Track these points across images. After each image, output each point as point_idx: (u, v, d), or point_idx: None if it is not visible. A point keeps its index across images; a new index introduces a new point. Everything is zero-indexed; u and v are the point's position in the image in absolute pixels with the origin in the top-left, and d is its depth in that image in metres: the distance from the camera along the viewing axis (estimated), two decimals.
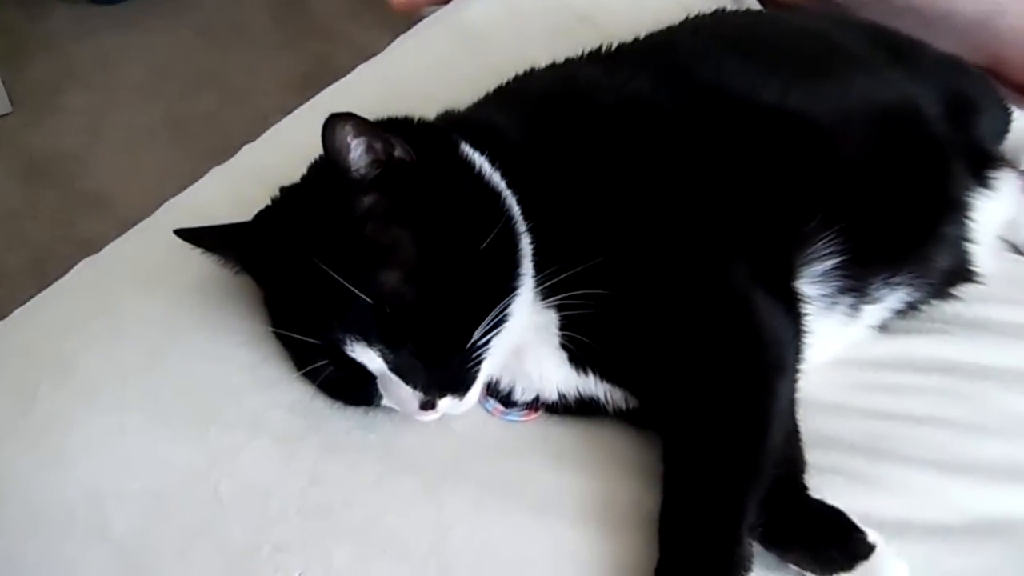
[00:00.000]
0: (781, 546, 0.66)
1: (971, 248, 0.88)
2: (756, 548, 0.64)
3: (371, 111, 0.68)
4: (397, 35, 1.17)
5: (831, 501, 0.68)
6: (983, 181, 0.91)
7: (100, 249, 0.86)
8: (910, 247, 0.83)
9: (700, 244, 0.72)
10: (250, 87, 2.09)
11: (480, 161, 0.72)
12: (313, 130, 0.65)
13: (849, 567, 0.64)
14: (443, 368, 0.66)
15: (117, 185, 1.88)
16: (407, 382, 0.65)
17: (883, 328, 0.84)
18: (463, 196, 0.69)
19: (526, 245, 0.69)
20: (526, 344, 0.72)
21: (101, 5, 2.30)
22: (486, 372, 0.69)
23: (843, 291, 0.78)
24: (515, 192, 0.71)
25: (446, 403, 0.67)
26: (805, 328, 0.74)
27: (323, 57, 2.13)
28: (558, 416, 0.75)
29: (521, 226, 0.70)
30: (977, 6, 1.07)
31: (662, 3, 1.06)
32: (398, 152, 0.67)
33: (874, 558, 0.64)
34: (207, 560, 0.64)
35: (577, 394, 0.73)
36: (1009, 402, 0.79)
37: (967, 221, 0.87)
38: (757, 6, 1.16)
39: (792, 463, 0.70)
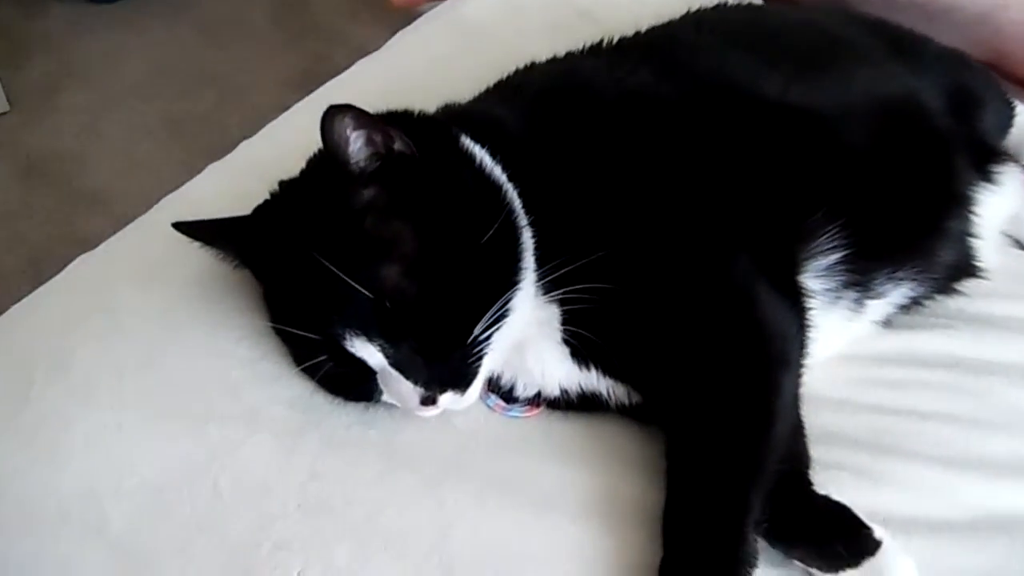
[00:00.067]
0: (786, 542, 0.65)
1: (974, 243, 0.87)
2: (761, 544, 0.64)
3: (370, 106, 0.67)
4: (396, 33, 1.16)
5: (837, 497, 0.67)
6: (986, 176, 0.90)
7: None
8: (914, 241, 0.83)
9: (703, 237, 0.72)
10: (249, 86, 2.08)
11: (481, 154, 0.71)
12: (311, 126, 0.64)
13: (855, 563, 0.63)
14: (444, 363, 0.66)
15: (115, 184, 1.87)
16: (408, 377, 0.65)
17: (887, 323, 0.84)
18: (464, 189, 0.68)
19: (528, 239, 0.69)
20: (528, 339, 0.71)
21: (99, 4, 2.29)
22: (487, 367, 0.68)
23: (847, 285, 0.77)
24: (516, 185, 0.70)
25: (447, 399, 0.66)
26: (809, 322, 0.73)
27: (322, 56, 2.13)
28: (560, 412, 0.75)
29: (522, 220, 0.69)
30: (979, 1, 1.07)
31: None
32: (398, 145, 0.67)
33: (881, 554, 0.63)
34: (206, 557, 0.64)
35: (579, 389, 0.73)
36: (1014, 398, 0.79)
37: (970, 216, 0.87)
38: (758, 1, 1.16)
39: (797, 458, 0.69)
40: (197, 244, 0.72)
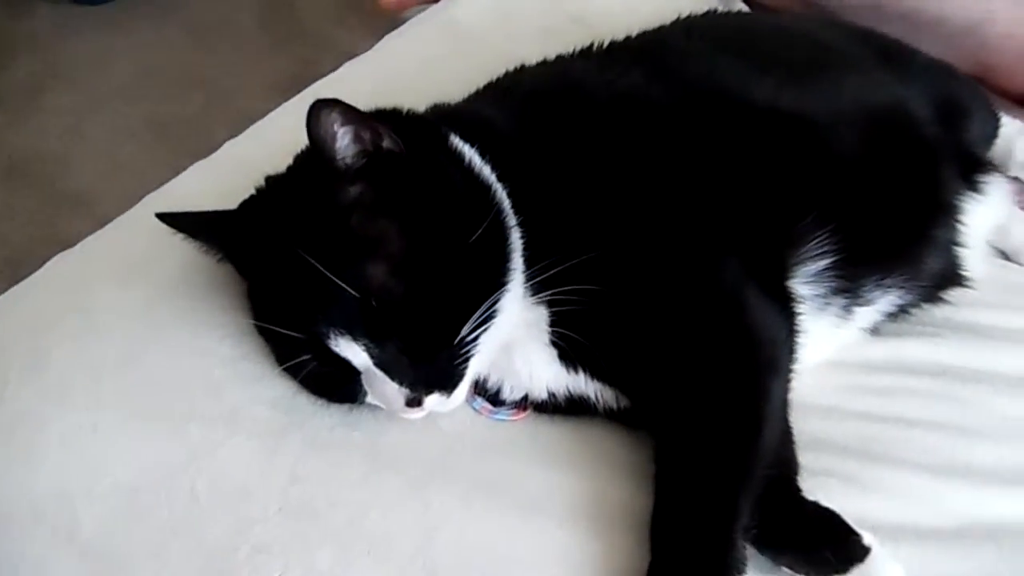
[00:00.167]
0: (775, 548, 0.64)
1: (961, 252, 0.88)
2: (749, 551, 0.63)
3: (359, 106, 0.66)
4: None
5: (825, 504, 0.66)
6: (973, 185, 0.91)
7: None
8: (901, 249, 0.83)
9: (693, 241, 0.71)
10: (236, 90, 2.07)
11: (470, 153, 0.70)
12: (298, 125, 0.63)
13: (844, 570, 0.62)
14: (430, 364, 0.65)
15: (98, 186, 1.85)
16: (393, 378, 0.64)
17: (875, 331, 0.84)
18: (452, 188, 0.67)
19: (516, 239, 0.68)
20: (515, 341, 0.70)
21: (84, 5, 2.27)
22: (474, 369, 0.67)
23: (835, 292, 0.77)
24: (505, 185, 0.69)
25: (433, 400, 0.65)
26: (799, 327, 0.73)
27: (310, 60, 2.12)
28: (547, 415, 0.74)
29: (511, 220, 0.68)
30: (966, 13, 1.08)
31: (654, 5, 1.05)
32: (386, 142, 0.66)
33: (869, 561, 0.63)
34: (183, 561, 0.62)
35: (567, 393, 0.72)
36: (1001, 406, 0.79)
37: (957, 225, 0.87)
38: (745, 10, 1.16)
39: (785, 464, 0.69)
40: (180, 237, 0.70)
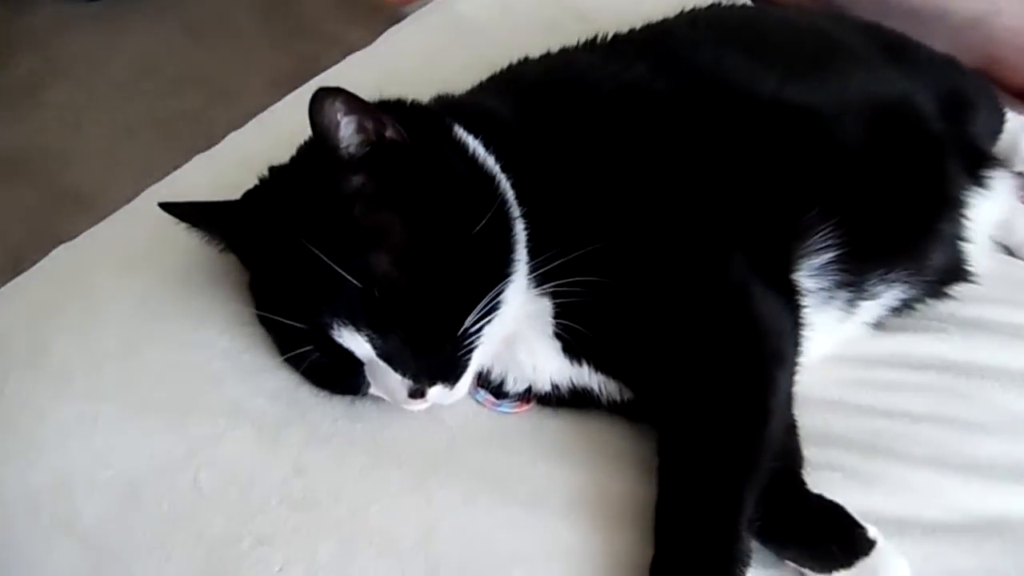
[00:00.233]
0: (779, 542, 0.64)
1: (966, 247, 0.87)
2: (753, 544, 0.62)
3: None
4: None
5: (829, 497, 0.66)
6: (978, 180, 0.91)
7: None
8: (906, 243, 0.82)
9: (698, 233, 0.71)
10: (236, 86, 2.06)
11: (474, 144, 0.70)
12: (301, 117, 0.63)
13: (849, 564, 0.62)
14: (433, 356, 0.64)
15: (98, 183, 1.84)
16: (396, 369, 0.63)
17: (879, 326, 0.83)
18: (456, 179, 0.67)
19: (520, 230, 0.68)
20: (519, 333, 0.70)
21: (84, 2, 2.27)
22: (477, 361, 0.67)
23: (840, 285, 0.77)
24: (509, 176, 0.69)
25: (436, 392, 0.65)
26: (804, 320, 0.73)
27: (310, 57, 2.10)
28: (551, 408, 0.74)
29: (515, 211, 0.68)
30: (972, 5, 1.07)
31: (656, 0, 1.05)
32: (390, 132, 0.66)
33: (875, 555, 0.62)
34: (184, 552, 0.62)
35: (571, 385, 0.72)
36: (1006, 401, 0.79)
37: (963, 219, 0.87)
38: (750, 3, 1.16)
39: (790, 456, 0.68)
40: (182, 227, 0.70)
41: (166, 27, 2.25)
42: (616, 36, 0.89)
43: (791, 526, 0.64)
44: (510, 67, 0.86)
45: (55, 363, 0.71)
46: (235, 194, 0.72)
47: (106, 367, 0.70)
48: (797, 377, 0.72)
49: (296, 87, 1.04)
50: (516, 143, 0.71)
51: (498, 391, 0.73)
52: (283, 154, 0.73)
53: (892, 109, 0.85)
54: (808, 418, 0.73)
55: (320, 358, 0.66)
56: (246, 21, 2.30)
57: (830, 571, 0.62)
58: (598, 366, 0.70)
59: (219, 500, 0.64)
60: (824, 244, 0.75)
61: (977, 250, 0.88)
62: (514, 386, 0.73)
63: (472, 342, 0.65)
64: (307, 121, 0.63)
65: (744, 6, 1.04)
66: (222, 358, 0.71)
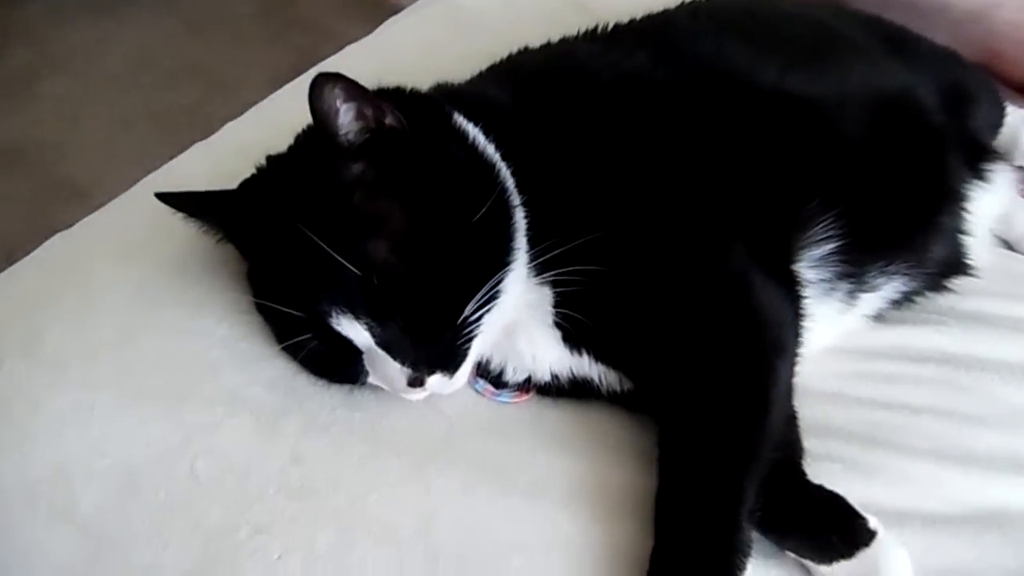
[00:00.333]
0: (780, 532, 0.64)
1: (966, 240, 0.87)
2: (753, 535, 0.62)
3: None
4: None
5: (830, 488, 0.66)
6: (978, 173, 0.91)
7: None
8: (907, 235, 0.82)
9: (699, 223, 0.71)
10: (234, 79, 2.06)
11: (474, 132, 0.70)
12: (299, 107, 0.63)
13: (849, 554, 0.62)
14: (432, 344, 0.64)
15: (94, 175, 1.83)
16: (395, 357, 0.63)
17: (879, 318, 0.83)
18: (455, 167, 0.67)
19: (520, 219, 0.68)
20: (519, 322, 0.69)
21: None
22: (477, 350, 0.67)
23: (841, 277, 0.77)
24: (509, 164, 0.69)
25: (435, 381, 0.65)
26: (805, 311, 0.72)
27: (309, 51, 2.08)
28: (550, 398, 0.73)
29: (515, 199, 0.68)
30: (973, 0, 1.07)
31: None
32: (389, 119, 0.65)
33: (875, 545, 0.62)
34: (182, 541, 0.61)
35: (570, 375, 0.71)
36: (1006, 394, 0.78)
37: (963, 212, 0.87)
38: None
39: (790, 447, 0.68)
40: (179, 217, 0.70)
41: (163, 19, 2.24)
42: (616, 26, 0.88)
43: (791, 516, 0.64)
44: (510, 56, 0.86)
45: (50, 352, 0.70)
46: (232, 183, 0.71)
47: (102, 355, 0.70)
48: (797, 368, 0.72)
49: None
50: (516, 131, 0.71)
51: (497, 381, 0.73)
52: (281, 144, 0.73)
53: (893, 101, 0.85)
54: (808, 409, 0.73)
55: (318, 346, 0.65)
56: (244, 14, 2.29)
57: (830, 561, 0.62)
58: (598, 356, 0.70)
59: (216, 489, 0.64)
60: (825, 235, 0.75)
61: (977, 243, 0.88)
62: (513, 376, 0.72)
63: (471, 331, 0.65)
64: (305, 111, 0.63)
65: None
66: (220, 346, 0.71)
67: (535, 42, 0.89)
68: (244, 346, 0.71)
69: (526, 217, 0.68)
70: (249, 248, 0.70)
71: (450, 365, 0.64)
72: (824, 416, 0.74)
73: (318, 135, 0.64)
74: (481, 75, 0.84)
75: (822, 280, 0.76)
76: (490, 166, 0.68)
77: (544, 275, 0.67)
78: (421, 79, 0.80)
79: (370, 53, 1.06)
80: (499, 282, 0.65)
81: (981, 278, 0.87)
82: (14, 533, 0.63)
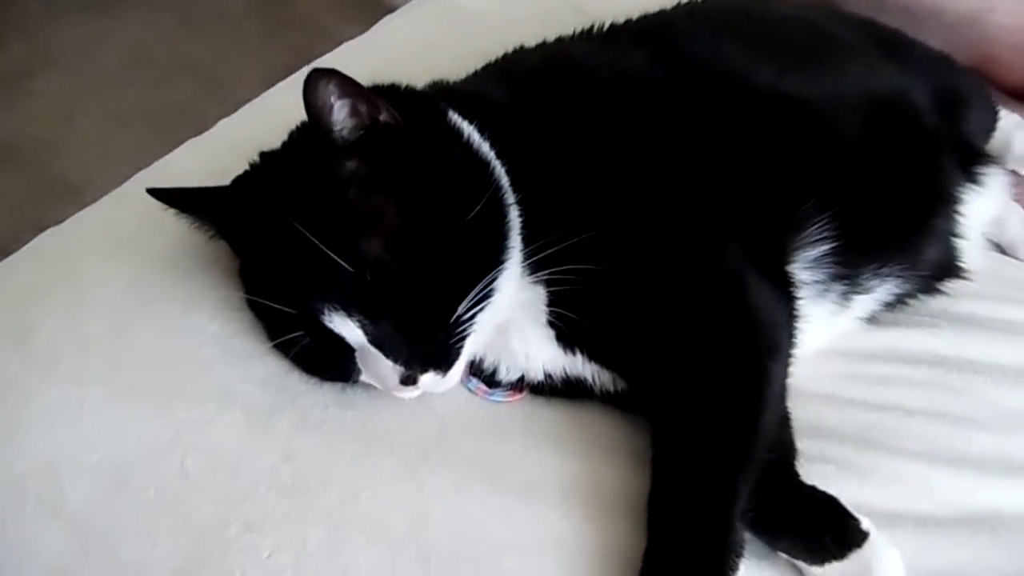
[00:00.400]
0: (772, 533, 0.64)
1: (959, 243, 0.87)
2: (746, 535, 0.62)
3: None
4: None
5: (822, 489, 0.66)
6: (972, 176, 0.91)
7: None
8: (900, 237, 0.82)
9: (693, 222, 0.71)
10: (228, 78, 2.05)
11: (469, 130, 0.69)
12: (293, 104, 0.62)
13: (841, 555, 0.62)
14: (425, 342, 0.64)
15: (87, 173, 1.82)
16: (387, 355, 0.63)
17: (872, 320, 0.84)
18: (450, 164, 0.67)
19: (514, 217, 0.67)
20: (512, 321, 0.69)
21: None
22: (470, 349, 0.66)
23: (835, 278, 0.77)
24: (504, 163, 0.69)
25: (428, 379, 0.64)
26: (798, 312, 0.72)
27: (304, 50, 2.07)
28: (543, 398, 0.73)
29: (510, 197, 0.68)
30: (966, 4, 1.08)
31: None
32: (384, 116, 0.65)
33: (867, 546, 0.62)
34: (172, 538, 0.61)
35: (564, 374, 0.71)
36: (998, 396, 0.79)
37: (956, 215, 0.87)
38: None
39: (783, 447, 0.68)
40: (172, 213, 0.69)
41: (158, 17, 2.23)
42: (613, 26, 0.88)
43: (784, 517, 0.64)
44: (506, 55, 0.86)
45: (41, 346, 0.70)
46: (225, 180, 0.71)
47: (93, 350, 0.69)
48: (791, 369, 0.72)
49: None
50: (511, 129, 0.70)
51: (491, 380, 0.73)
52: (275, 140, 0.72)
53: (887, 103, 0.86)
54: (801, 411, 0.73)
55: (310, 344, 0.65)
56: (240, 12, 2.28)
57: (823, 562, 0.62)
58: (591, 355, 0.70)
59: (207, 486, 0.63)
60: (819, 236, 0.75)
61: (970, 247, 0.89)
62: (507, 375, 0.72)
63: (465, 329, 0.64)
64: (300, 108, 0.62)
65: None
66: (211, 343, 0.70)
67: (530, 42, 0.89)
68: (236, 343, 0.70)
69: (520, 215, 0.68)
70: (241, 244, 0.70)
71: (443, 364, 0.64)
72: (817, 417, 0.74)
73: (312, 131, 0.63)
74: (476, 73, 0.84)
75: (816, 281, 0.76)
76: (484, 164, 0.68)
77: (538, 274, 0.67)
78: (416, 78, 0.80)
79: (365, 51, 1.06)
80: (493, 281, 0.65)
81: (974, 281, 0.87)
82: (2, 528, 0.62)
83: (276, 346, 0.68)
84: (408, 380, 0.63)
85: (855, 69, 0.87)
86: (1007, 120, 1.03)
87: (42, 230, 0.85)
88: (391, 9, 1.28)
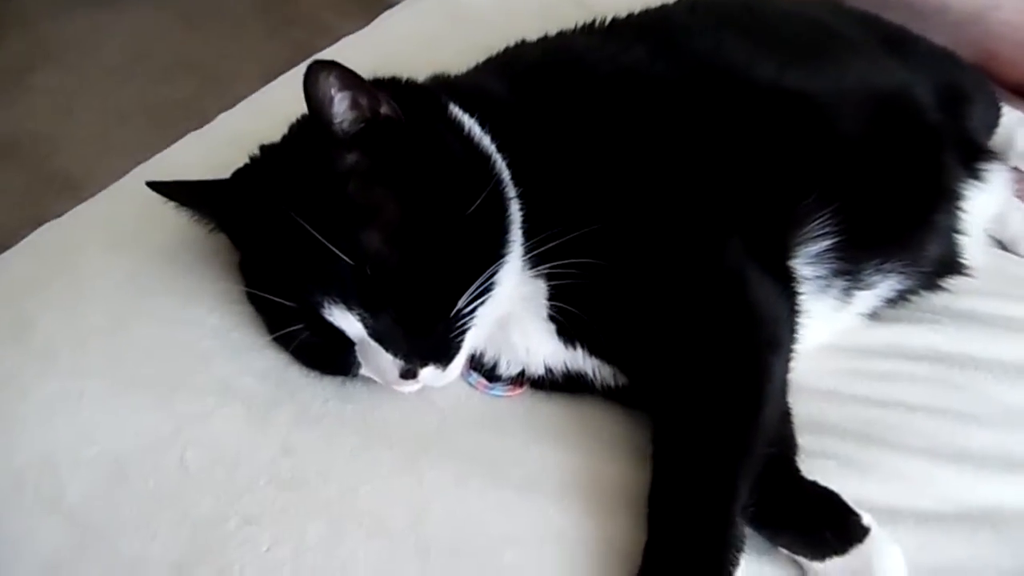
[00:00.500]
0: (773, 528, 0.63)
1: (961, 240, 0.87)
2: (746, 531, 0.62)
3: None
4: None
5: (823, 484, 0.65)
6: (974, 173, 0.91)
7: None
8: (902, 233, 0.82)
9: (695, 217, 0.70)
10: (230, 74, 2.05)
11: (470, 123, 0.69)
12: (293, 99, 0.62)
13: (842, 551, 0.62)
14: (426, 336, 0.63)
15: (88, 168, 1.82)
16: (387, 349, 0.62)
17: (874, 316, 0.83)
18: (451, 158, 0.66)
19: (515, 211, 0.67)
20: (513, 315, 0.69)
21: None
22: (470, 342, 0.66)
23: (836, 274, 0.77)
24: (505, 156, 0.68)
25: (428, 373, 0.64)
26: (800, 307, 0.72)
27: (306, 46, 2.07)
28: (544, 392, 0.73)
29: (511, 191, 0.67)
30: (970, 1, 1.07)
31: None
32: (384, 109, 0.65)
33: (868, 541, 0.62)
34: (170, 531, 0.61)
35: (564, 369, 0.71)
36: (999, 393, 0.79)
37: (958, 211, 0.87)
38: None
39: (784, 443, 0.68)
40: (171, 206, 0.69)
41: (160, 12, 2.23)
42: (615, 20, 0.88)
43: (785, 512, 0.64)
44: (507, 49, 0.85)
45: (40, 339, 0.70)
46: (226, 173, 0.71)
47: (92, 343, 0.69)
48: (792, 365, 0.71)
49: None
50: (512, 123, 0.70)
51: (491, 374, 0.72)
52: (275, 134, 0.72)
53: (890, 99, 0.85)
54: (803, 406, 0.72)
55: (310, 337, 0.65)
56: (241, 8, 2.28)
57: (823, 558, 0.62)
58: (592, 350, 0.69)
59: (206, 479, 0.63)
60: (821, 232, 0.75)
61: (972, 243, 0.88)
62: (507, 369, 0.72)
63: (465, 323, 0.64)
64: (300, 102, 0.62)
65: None
66: (211, 336, 0.70)
67: (532, 36, 0.89)
68: (235, 336, 0.70)
69: (521, 209, 0.67)
70: (241, 237, 0.70)
71: (443, 357, 0.64)
72: (819, 413, 0.74)
73: (312, 124, 0.63)
74: (478, 67, 0.84)
75: (818, 277, 0.75)
76: (486, 158, 0.68)
77: (539, 268, 0.67)
78: (417, 72, 0.80)
79: (366, 45, 1.06)
80: (493, 274, 0.64)
81: (975, 277, 0.87)
82: (1, 519, 0.62)
83: (276, 339, 0.67)
84: (408, 374, 0.63)
85: (858, 64, 0.87)
86: (1010, 117, 1.02)
87: (42, 224, 0.85)
88: (391, 5, 1.28)
